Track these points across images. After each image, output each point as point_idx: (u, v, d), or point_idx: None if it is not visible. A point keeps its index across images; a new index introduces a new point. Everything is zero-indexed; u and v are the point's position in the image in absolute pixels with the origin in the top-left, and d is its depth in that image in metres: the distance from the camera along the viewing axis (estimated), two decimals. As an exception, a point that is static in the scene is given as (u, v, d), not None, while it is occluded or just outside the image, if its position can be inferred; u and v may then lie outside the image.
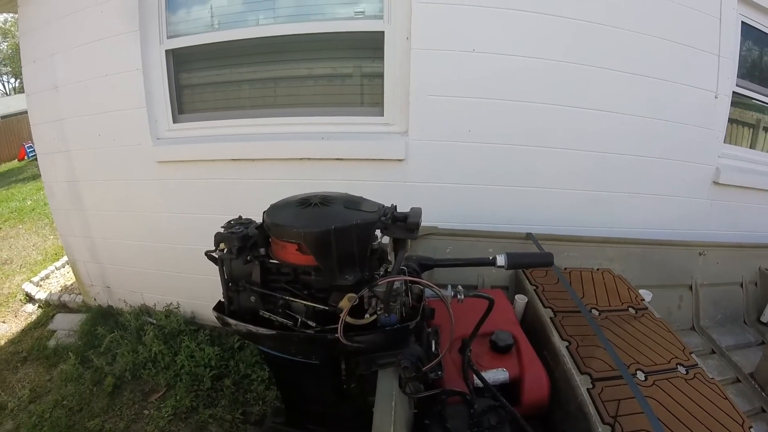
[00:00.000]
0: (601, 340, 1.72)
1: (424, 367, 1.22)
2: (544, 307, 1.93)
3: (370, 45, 2.30)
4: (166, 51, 2.47)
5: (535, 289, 2.05)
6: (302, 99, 2.49)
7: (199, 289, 2.78)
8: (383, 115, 2.37)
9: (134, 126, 2.57)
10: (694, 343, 2.58)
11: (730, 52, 2.67)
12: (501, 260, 1.38)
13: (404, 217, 1.15)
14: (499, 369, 1.54)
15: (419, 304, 1.24)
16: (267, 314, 1.18)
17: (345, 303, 1.09)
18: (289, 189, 2.37)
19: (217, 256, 1.25)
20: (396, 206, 1.24)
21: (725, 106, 2.73)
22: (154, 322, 2.81)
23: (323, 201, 1.17)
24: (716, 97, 2.66)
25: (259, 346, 1.38)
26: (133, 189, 2.74)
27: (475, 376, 1.43)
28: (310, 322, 1.15)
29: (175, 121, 2.58)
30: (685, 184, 2.82)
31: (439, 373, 1.28)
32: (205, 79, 2.60)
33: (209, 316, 2.84)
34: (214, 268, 2.62)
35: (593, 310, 1.96)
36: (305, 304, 1.16)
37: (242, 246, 1.19)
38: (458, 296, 1.23)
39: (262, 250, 1.19)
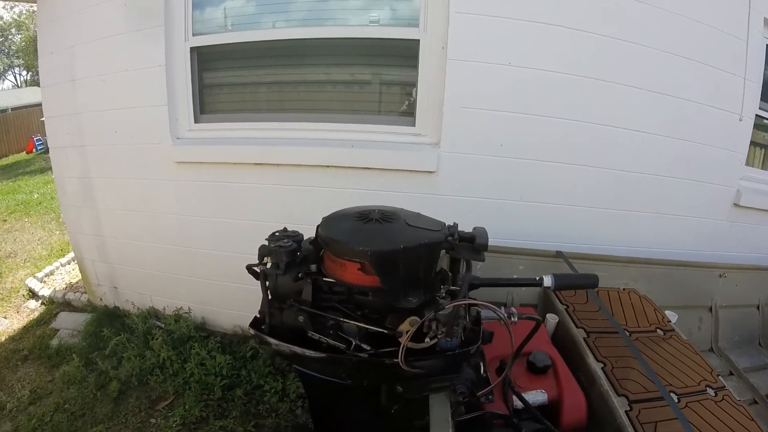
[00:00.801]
0: (641, 362, 1.71)
1: (479, 392, 1.19)
2: (576, 327, 1.91)
3: (405, 53, 2.26)
4: (191, 48, 2.40)
5: (566, 309, 2.03)
6: (330, 105, 2.44)
7: (211, 295, 2.72)
8: (415, 126, 2.33)
9: (154, 124, 2.49)
10: (713, 364, 2.59)
11: (755, 75, 2.67)
12: (548, 281, 1.33)
13: (471, 237, 1.11)
14: (538, 390, 1.51)
15: (477, 327, 1.20)
16: (317, 336, 1.11)
17: (406, 326, 1.03)
18: (313, 197, 2.36)
19: (260, 271, 1.18)
20: (457, 225, 1.19)
21: (748, 128, 2.74)
22: (163, 326, 2.73)
23: (384, 217, 1.11)
24: (740, 120, 2.66)
25: (299, 368, 1.28)
26: (149, 189, 2.66)
27: (514, 398, 1.40)
28: (364, 346, 1.09)
29: (196, 120, 2.51)
30: (706, 205, 2.82)
31: (490, 397, 1.26)
32: (230, 79, 2.54)
33: (221, 322, 2.80)
34: (228, 275, 2.59)
35: (624, 332, 1.95)
36: (359, 327, 1.10)
37: (291, 261, 1.12)
38: (512, 318, 1.19)
39: (313, 267, 1.13)
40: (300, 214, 2.39)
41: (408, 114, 2.36)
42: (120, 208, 2.83)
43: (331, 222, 1.16)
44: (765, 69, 2.95)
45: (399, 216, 1.14)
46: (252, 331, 1.19)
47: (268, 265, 1.17)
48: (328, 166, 2.32)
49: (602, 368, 1.68)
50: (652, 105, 2.46)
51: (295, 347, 1.11)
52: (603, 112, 2.39)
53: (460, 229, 1.20)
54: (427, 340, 1.07)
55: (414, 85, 2.28)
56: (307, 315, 1.11)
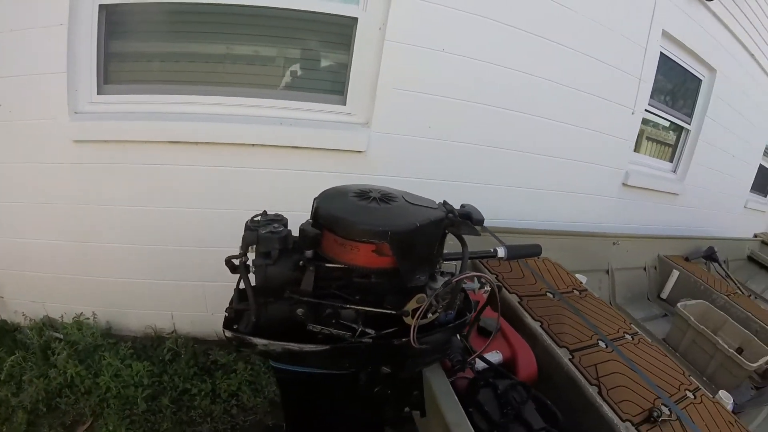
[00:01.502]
0: (580, 317, 1.97)
1: (470, 358, 1.25)
2: (509, 293, 2.09)
3: (340, 30, 2.18)
4: (100, 6, 1.99)
5: (496, 277, 2.20)
6: (257, 80, 2.24)
7: (116, 295, 2.38)
8: (346, 105, 2.29)
9: (49, 95, 2.03)
10: (616, 317, 3.08)
11: (648, 77, 3.28)
12: (502, 252, 1.45)
13: (467, 214, 1.13)
14: (494, 351, 1.64)
15: (465, 298, 1.24)
16: (318, 327, 1.04)
17: (413, 304, 1.04)
18: (238, 178, 2.20)
19: (246, 263, 1.04)
20: (445, 201, 1.21)
21: (638, 121, 3.35)
22: (63, 337, 2.30)
23: (385, 196, 1.07)
24: (633, 113, 3.21)
25: (280, 366, 1.18)
26: (42, 174, 2.17)
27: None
28: (368, 330, 1.05)
29: (99, 91, 2.09)
30: (601, 184, 3.38)
31: (474, 362, 1.33)
32: (143, 47, 2.16)
33: (130, 325, 2.50)
34: (136, 270, 2.31)
35: (548, 294, 2.20)
36: (358, 311, 1.05)
37: (283, 249, 1.02)
38: (485, 287, 1.26)
39: (309, 253, 1.03)
40: (225, 198, 2.22)
41: (339, 93, 2.30)
42: (4, 199, 2.29)
43: (332, 201, 1.07)
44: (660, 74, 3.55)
45: (396, 194, 1.11)
46: (228, 334, 1.04)
47: (251, 256, 1.04)
48: (254, 145, 2.16)
49: (540, 326, 1.89)
50: (566, 98, 2.85)
51: (291, 345, 1.02)
52: (523, 102, 2.68)
53: None
54: (429, 315, 1.08)
55: (347, 63, 2.23)
56: (308, 306, 1.03)
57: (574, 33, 2.74)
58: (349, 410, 1.36)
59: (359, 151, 2.29)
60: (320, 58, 2.32)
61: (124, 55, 2.15)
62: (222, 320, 1.08)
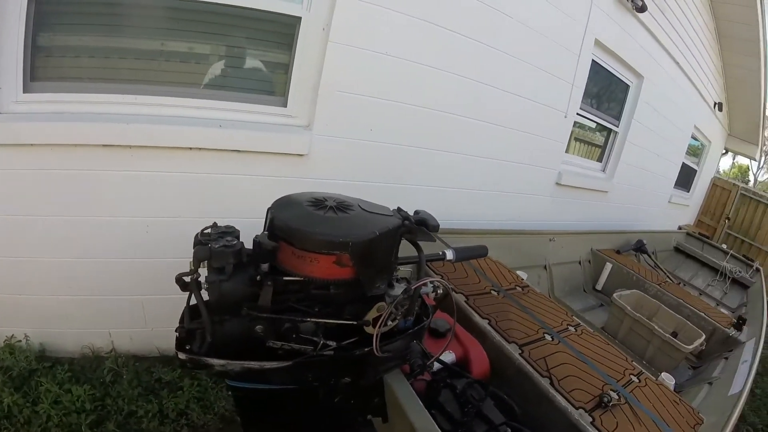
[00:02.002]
0: (527, 313, 2.03)
1: (429, 361, 1.27)
2: (456, 293, 2.14)
3: (282, 29, 2.12)
4: None
5: (441, 278, 2.25)
6: (195, 78, 2.13)
7: (49, 314, 2.18)
8: (287, 107, 2.23)
9: None
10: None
11: (580, 83, 3.49)
12: (450, 255, 1.49)
13: (423, 220, 1.14)
14: (447, 352, 1.66)
15: (422, 303, 1.25)
16: (278, 344, 1.00)
17: (373, 313, 1.04)
18: (176, 184, 2.10)
19: (198, 279, 0.98)
20: (400, 208, 1.21)
21: (570, 124, 3.54)
22: None
23: (341, 205, 1.06)
24: (565, 117, 3.39)
25: (237, 384, 1.13)
26: None
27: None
28: (329, 342, 1.03)
29: (26, 89, 1.88)
30: (537, 184, 3.57)
31: (432, 365, 1.35)
32: (74, 41, 1.97)
33: (65, 345, 2.33)
34: (70, 286, 2.16)
35: (492, 291, 2.27)
36: (318, 324, 1.03)
37: (238, 263, 0.97)
38: (438, 290, 1.28)
39: (265, 267, 1.00)
40: (162, 205, 2.11)
41: (280, 94, 2.25)
42: None
43: (288, 211, 1.04)
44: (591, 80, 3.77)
45: (352, 202, 1.11)
46: (182, 356, 0.97)
47: (203, 272, 0.98)
48: (191, 148, 2.06)
49: (488, 323, 1.95)
50: (503, 101, 2.99)
51: (251, 363, 0.97)
52: (464, 106, 2.78)
53: None
54: (389, 323, 1.09)
55: (289, 64, 2.18)
56: (267, 322, 0.98)
57: (513, 40, 2.86)
58: (310, 423, 1.34)
59: (301, 155, 2.25)
60: (261, 58, 2.24)
61: (54, 50, 1.96)
62: (164, 335, 1.02)
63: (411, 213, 1.19)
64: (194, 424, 2.13)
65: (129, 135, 1.94)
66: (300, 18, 2.09)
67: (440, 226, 2.56)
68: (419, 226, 1.12)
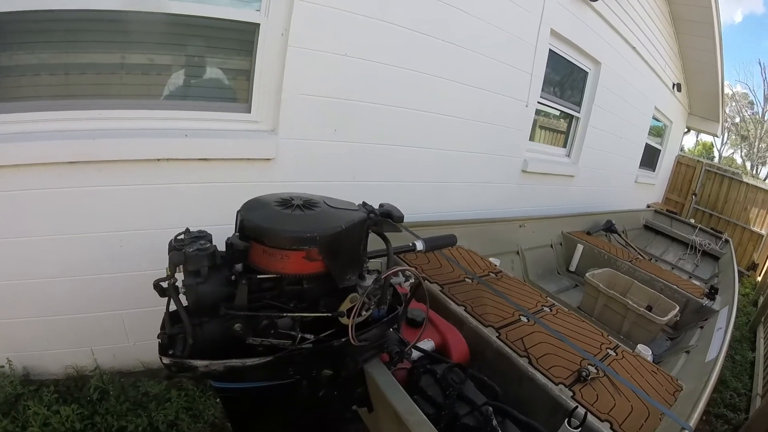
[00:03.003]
0: (501, 296, 2.09)
1: (407, 348, 1.31)
2: (431, 282, 2.20)
3: (242, 36, 2.14)
4: None
5: (415, 269, 2.31)
6: (159, 90, 2.12)
7: (29, 337, 2.15)
8: (251, 112, 2.25)
9: None
10: (530, 292, 3.32)
11: (539, 72, 3.62)
12: (420, 245, 1.55)
13: (387, 212, 1.19)
14: (426, 340, 1.72)
15: (394, 292, 1.30)
16: (258, 340, 1.03)
17: (347, 304, 1.08)
18: (146, 196, 2.11)
19: (175, 284, 1.00)
20: (365, 203, 1.26)
21: (532, 112, 3.66)
22: None
23: (307, 203, 1.10)
24: (527, 106, 3.52)
25: (222, 385, 1.16)
26: None
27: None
28: (307, 336, 1.07)
29: None
30: (503, 173, 3.66)
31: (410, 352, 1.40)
32: (33, 59, 1.93)
33: (49, 367, 2.31)
34: (48, 306, 2.13)
35: (466, 279, 2.33)
36: (294, 319, 1.06)
37: (213, 266, 1.00)
38: (410, 279, 1.34)
39: (239, 267, 1.02)
40: (134, 218, 2.11)
41: (243, 100, 2.26)
42: None
43: (257, 212, 1.07)
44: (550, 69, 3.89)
45: (318, 199, 1.15)
46: (166, 361, 0.99)
47: (180, 277, 1.01)
48: (159, 160, 2.06)
49: (465, 310, 2.01)
50: (464, 95, 3.07)
51: (233, 361, 1.01)
52: (425, 101, 2.84)
53: None
54: (363, 313, 1.13)
55: (250, 70, 2.20)
56: (245, 321, 1.01)
57: (470, 34, 2.94)
58: (297, 420, 1.37)
59: (268, 159, 2.28)
60: (222, 66, 2.25)
61: (13, 69, 1.92)
62: (147, 347, 1.04)
63: (376, 207, 1.23)
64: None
65: (95, 150, 1.93)
66: (258, 24, 2.11)
67: (411, 220, 2.65)
68: (385, 218, 1.17)
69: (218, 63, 2.24)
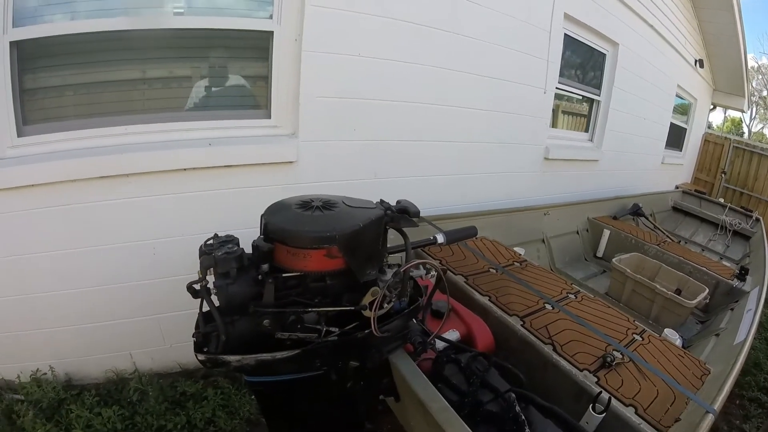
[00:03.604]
0: (523, 285, 2.11)
1: (429, 338, 1.35)
2: (455, 275, 2.22)
3: (257, 45, 2.21)
4: (11, 43, 1.86)
5: (440, 262, 2.33)
6: (181, 102, 2.22)
7: (69, 344, 2.27)
8: (271, 118, 2.32)
9: None
10: (558, 280, 3.30)
11: (555, 58, 3.60)
12: (441, 238, 1.59)
13: (404, 208, 1.23)
14: (451, 330, 1.75)
15: (415, 284, 1.34)
16: (286, 335, 1.10)
17: (369, 298, 1.13)
18: (175, 204, 2.20)
19: (206, 286, 1.07)
20: (382, 200, 1.30)
21: (551, 99, 3.65)
22: (23, 398, 2.21)
23: (326, 204, 1.16)
24: (545, 93, 3.50)
25: (254, 379, 1.21)
26: None
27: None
28: (332, 329, 1.13)
29: (20, 134, 1.97)
30: (525, 161, 3.65)
31: (433, 342, 1.44)
32: (60, 80, 2.06)
33: (90, 372, 2.43)
34: (87, 314, 2.24)
35: (491, 270, 2.34)
36: (319, 313, 1.13)
37: (241, 267, 1.07)
38: (431, 272, 1.37)
39: (265, 267, 1.09)
40: (165, 227, 2.20)
41: (263, 107, 2.33)
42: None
43: (279, 215, 1.14)
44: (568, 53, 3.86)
45: (336, 200, 1.19)
46: (201, 357, 1.07)
47: (211, 279, 1.08)
48: (185, 169, 2.14)
49: (489, 300, 2.03)
50: (480, 86, 3.07)
51: (263, 355, 1.07)
52: (441, 95, 2.85)
53: None
54: (385, 305, 1.18)
55: (267, 77, 2.26)
56: (272, 317, 1.08)
57: (482, 25, 2.94)
58: (328, 412, 1.42)
59: (290, 162, 2.34)
60: (241, 74, 2.33)
61: (41, 92, 2.05)
62: (183, 349, 1.10)
63: (394, 203, 1.27)
64: (222, 430, 2.22)
65: (123, 164, 2.03)
66: (272, 32, 2.18)
67: (434, 214, 2.67)
68: (401, 214, 1.21)
69: (236, 72, 2.32)
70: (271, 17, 2.17)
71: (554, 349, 1.74)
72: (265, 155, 2.28)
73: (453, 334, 1.73)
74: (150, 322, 2.36)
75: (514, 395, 1.38)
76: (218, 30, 2.12)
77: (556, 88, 3.80)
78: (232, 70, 2.31)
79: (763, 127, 27.58)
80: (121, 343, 2.37)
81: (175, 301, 2.17)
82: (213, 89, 2.28)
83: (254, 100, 2.36)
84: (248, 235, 1.21)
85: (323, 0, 2.20)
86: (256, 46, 2.23)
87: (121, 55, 2.07)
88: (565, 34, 3.75)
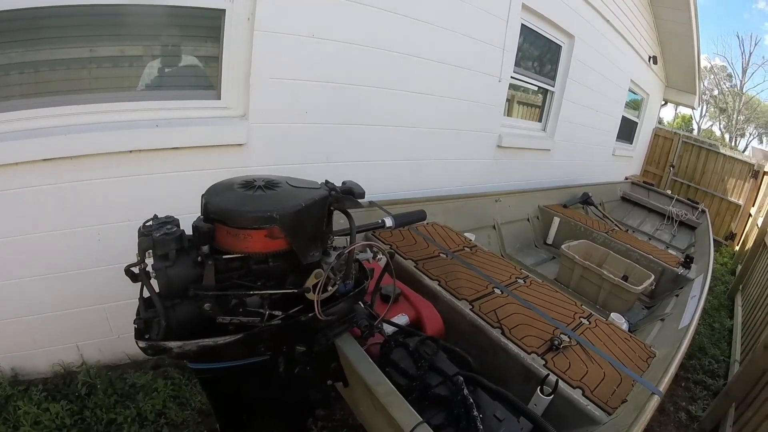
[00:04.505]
0: (473, 269, 2.14)
1: (376, 322, 1.36)
2: (405, 259, 2.25)
3: (208, 23, 2.12)
4: None
5: (390, 247, 2.35)
6: (128, 82, 2.11)
7: (13, 338, 2.15)
8: (221, 99, 2.25)
9: None
10: (507, 266, 3.38)
11: (511, 47, 3.63)
12: (389, 222, 1.60)
13: (349, 189, 1.22)
14: (399, 315, 1.77)
15: (360, 267, 1.34)
16: (227, 319, 1.07)
17: (312, 280, 1.12)
18: (121, 187, 2.12)
19: (145, 269, 1.04)
20: (327, 180, 1.29)
21: (505, 87, 3.69)
22: None
23: (269, 183, 1.13)
24: (499, 81, 3.53)
25: (199, 366, 1.19)
26: None
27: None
28: (276, 312, 1.11)
29: None
30: (479, 148, 3.68)
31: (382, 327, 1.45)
32: (3, 59, 1.90)
33: (37, 366, 2.35)
34: (28, 307, 2.15)
35: (441, 254, 2.38)
36: (263, 296, 1.11)
37: (180, 248, 1.04)
38: (378, 255, 1.38)
39: (205, 248, 1.06)
40: (110, 211, 2.10)
41: (213, 87, 2.26)
42: None
43: (220, 195, 1.10)
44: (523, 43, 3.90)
45: (280, 180, 1.17)
46: (142, 344, 1.03)
47: (150, 262, 1.04)
48: (131, 152, 2.05)
49: (438, 284, 2.06)
50: (436, 72, 3.07)
51: (205, 341, 1.04)
52: (396, 80, 2.84)
53: None
54: (329, 288, 1.17)
55: (218, 57, 2.19)
56: (214, 300, 1.05)
57: (439, 11, 2.94)
58: (276, 398, 1.41)
59: (239, 144, 2.29)
60: (190, 54, 2.25)
61: None
62: (131, 339, 1.07)
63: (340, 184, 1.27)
64: (173, 422, 2.18)
65: (68, 146, 1.92)
66: (224, 10, 2.10)
67: (387, 198, 2.68)
68: (346, 195, 1.20)
69: (186, 51, 2.23)
70: (223, -5, 2.09)
71: (503, 333, 1.78)
72: (213, 137, 2.21)
73: (402, 318, 1.75)
74: (96, 312, 2.27)
75: (462, 379, 1.41)
76: (169, 6, 2.02)
77: (511, 77, 3.87)
78: (183, 49, 2.22)
79: (712, 125, 29.08)
80: (67, 336, 2.27)
81: (122, 289, 2.06)
82: (163, 69, 2.18)
83: (204, 81, 2.28)
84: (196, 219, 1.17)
85: (278, -22, 2.14)
86: (208, 25, 2.15)
87: (68, 32, 1.96)
88: (522, 25, 3.81)
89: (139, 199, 2.13)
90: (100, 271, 2.17)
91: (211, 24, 2.14)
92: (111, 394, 2.22)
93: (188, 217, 1.17)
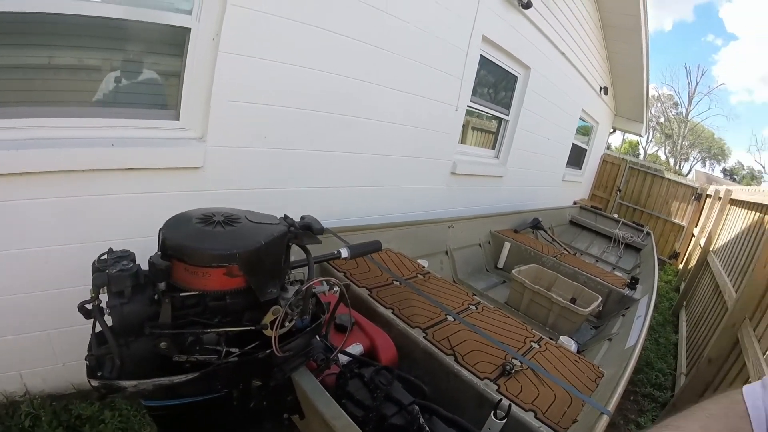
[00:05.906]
0: (425, 297, 2.19)
1: (332, 355, 1.39)
2: (359, 287, 2.28)
3: (172, 41, 2.08)
4: None
5: (344, 275, 2.39)
6: (84, 96, 2.03)
7: None
8: (179, 120, 2.20)
9: None
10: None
11: (469, 77, 3.77)
12: (345, 252, 1.64)
13: (308, 225, 1.25)
14: (354, 344, 1.79)
15: (317, 301, 1.36)
16: (184, 357, 1.06)
17: (270, 317, 1.14)
18: (72, 209, 2.05)
19: (99, 305, 1.01)
20: (286, 215, 1.31)
21: (461, 116, 3.84)
22: None
23: (228, 219, 1.14)
24: (456, 110, 3.66)
25: (153, 403, 1.17)
26: None
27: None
28: (233, 350, 1.11)
29: None
30: (433, 175, 3.81)
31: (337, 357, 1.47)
32: None
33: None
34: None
35: (394, 282, 2.42)
36: (219, 334, 1.10)
37: (136, 285, 1.02)
38: (333, 288, 1.40)
39: (162, 285, 1.04)
40: (59, 233, 2.00)
41: (171, 107, 2.21)
42: None
43: (178, 231, 1.09)
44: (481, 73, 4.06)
45: (239, 215, 1.18)
46: (94, 383, 1.00)
47: (104, 298, 1.02)
48: (85, 171, 1.97)
49: (392, 312, 2.10)
50: (395, 100, 3.15)
51: (161, 380, 1.03)
52: (355, 107, 2.89)
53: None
54: (287, 324, 1.19)
55: (179, 76, 2.15)
56: (170, 338, 1.04)
57: (404, 41, 3.04)
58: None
59: (196, 168, 2.25)
60: (152, 71, 2.19)
61: None
62: (77, 369, 1.04)
63: (299, 219, 1.29)
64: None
65: (19, 162, 1.81)
66: (189, 29, 2.07)
67: (341, 225, 2.70)
68: (305, 231, 1.23)
69: (148, 68, 2.18)
70: (190, 13, 2.07)
71: (456, 360, 1.83)
72: (170, 159, 2.16)
73: (356, 348, 1.77)
74: (40, 338, 2.16)
75: (417, 407, 1.44)
76: (132, 21, 1.98)
77: (468, 106, 4.01)
78: (144, 65, 2.17)
79: (657, 150, 30.87)
80: (9, 363, 2.14)
81: (67, 315, 1.99)
82: (122, 84, 2.12)
83: (164, 100, 2.23)
84: (149, 244, 1.15)
85: (246, 0, 2.14)
86: (171, 43, 2.11)
87: (23, 41, 1.86)
88: (482, 56, 3.97)
89: (90, 220, 2.05)
90: (46, 295, 2.07)
91: (176, 42, 2.10)
92: (56, 426, 2.11)
93: (141, 240, 1.16)
